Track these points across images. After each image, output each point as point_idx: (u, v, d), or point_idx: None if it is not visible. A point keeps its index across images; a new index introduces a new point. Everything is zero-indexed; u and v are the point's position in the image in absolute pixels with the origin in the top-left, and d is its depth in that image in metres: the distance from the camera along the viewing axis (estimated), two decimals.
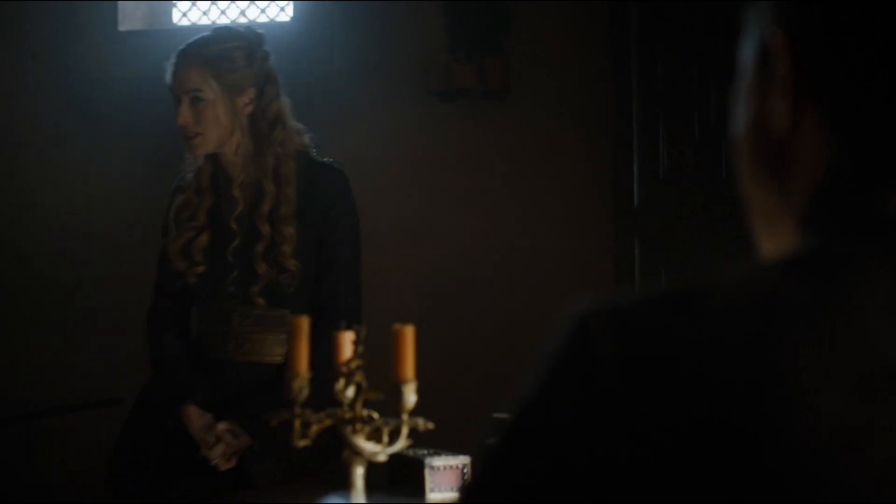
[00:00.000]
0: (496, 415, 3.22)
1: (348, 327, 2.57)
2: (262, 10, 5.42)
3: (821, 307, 0.89)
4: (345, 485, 2.54)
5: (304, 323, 2.52)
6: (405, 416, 2.51)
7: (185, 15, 5.52)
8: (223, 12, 5.46)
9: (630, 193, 4.50)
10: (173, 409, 3.51)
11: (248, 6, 5.43)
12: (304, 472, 3.34)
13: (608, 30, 4.64)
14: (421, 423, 2.51)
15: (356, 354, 2.52)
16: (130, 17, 5.45)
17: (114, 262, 5.32)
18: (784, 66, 0.97)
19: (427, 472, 2.84)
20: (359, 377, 2.52)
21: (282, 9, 5.37)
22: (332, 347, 2.55)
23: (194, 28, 5.42)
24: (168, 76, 3.66)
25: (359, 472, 2.54)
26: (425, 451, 2.91)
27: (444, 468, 2.87)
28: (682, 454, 0.86)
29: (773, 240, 1.01)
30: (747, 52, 1.01)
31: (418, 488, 2.83)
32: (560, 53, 4.84)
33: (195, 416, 3.48)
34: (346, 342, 2.53)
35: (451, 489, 2.86)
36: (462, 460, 2.89)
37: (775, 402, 0.85)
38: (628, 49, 4.49)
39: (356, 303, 3.59)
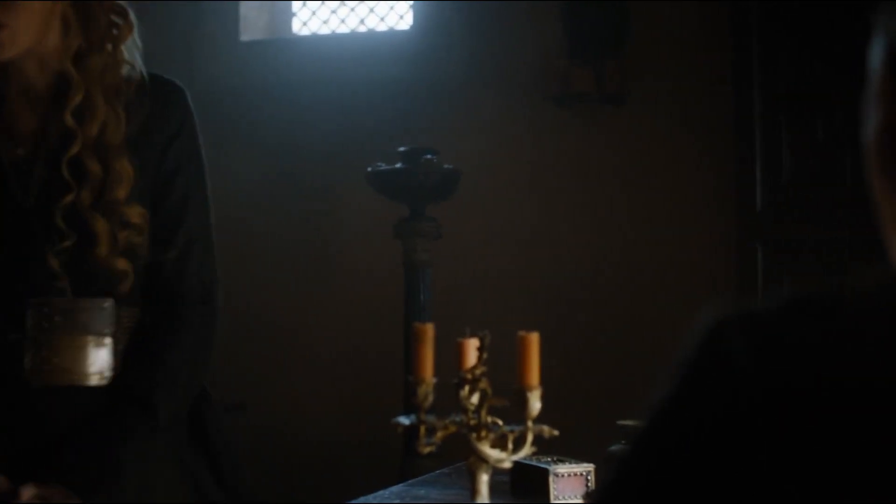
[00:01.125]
0: (620, 422, 3.21)
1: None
2: (382, 18, 5.45)
3: None
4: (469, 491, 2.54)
5: (429, 330, 2.52)
6: (530, 423, 2.50)
7: (305, 24, 5.57)
8: (343, 20, 5.50)
9: (752, 199, 4.45)
10: None
11: (369, 14, 5.47)
12: None
13: (728, 32, 4.60)
14: (546, 430, 2.50)
15: (480, 361, 2.51)
16: (252, 27, 5.52)
17: (234, 267, 5.38)
18: None
19: (551, 479, 2.82)
20: (483, 384, 2.51)
21: (401, 17, 5.40)
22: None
23: (315, 37, 5.48)
24: None
25: (483, 478, 2.54)
26: (549, 459, 2.90)
27: (569, 475, 2.85)
28: (830, 467, 0.86)
29: None
30: (876, 57, 1.00)
31: (542, 496, 2.81)
32: (679, 56, 4.80)
33: None
34: (471, 348, 2.53)
35: (575, 497, 2.84)
36: (586, 468, 2.87)
37: None
38: (750, 51, 4.44)
39: (212, 278, 2.68)
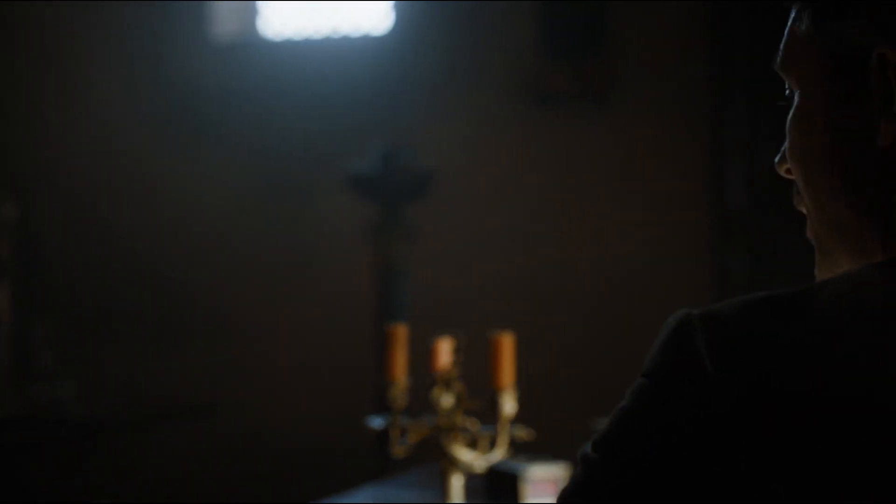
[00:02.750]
0: (592, 422, 3.20)
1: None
2: (358, 21, 5.44)
3: None
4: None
5: (402, 331, 2.51)
6: (503, 426, 2.49)
7: (280, 27, 5.55)
8: (318, 24, 5.49)
9: (731, 199, 4.45)
10: None
11: (346, 17, 5.46)
12: None
13: (706, 31, 4.60)
14: (521, 433, 2.49)
15: (454, 362, 2.50)
16: (227, 30, 5.50)
17: (208, 270, 5.36)
18: None
19: (524, 482, 2.81)
20: (458, 386, 2.50)
21: (379, 19, 5.38)
22: None
23: (290, 40, 5.47)
24: None
25: (456, 480, 2.53)
26: (523, 459, 2.89)
27: (542, 477, 2.84)
28: (800, 454, 0.86)
29: (846, 253, 1.03)
30: (819, 65, 1.02)
31: (516, 497, 2.80)
32: (657, 56, 4.80)
33: None
34: (444, 350, 2.51)
35: (548, 498, 2.83)
36: (559, 469, 2.86)
37: (892, 404, 0.86)
38: (730, 51, 4.44)
39: None
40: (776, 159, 1.12)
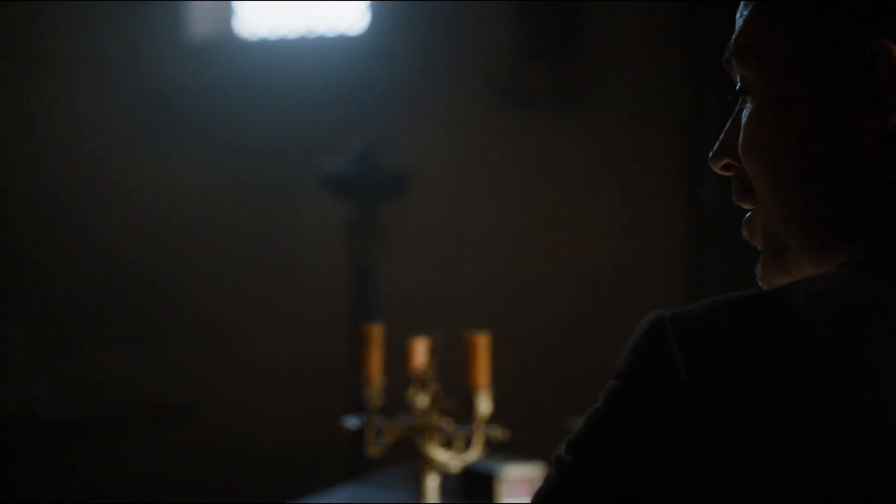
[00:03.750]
0: (567, 421, 3.21)
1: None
2: (333, 27, 5.43)
3: None
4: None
5: (378, 331, 2.51)
6: (479, 425, 2.49)
7: (256, 26, 5.54)
8: (293, 23, 5.48)
9: (707, 198, 4.46)
10: None
11: (322, 16, 5.45)
12: None
13: (682, 30, 4.61)
14: (497, 433, 2.49)
15: (430, 362, 2.50)
16: (202, 29, 5.49)
17: (183, 269, 5.35)
18: (894, 70, 0.96)
19: (499, 481, 2.81)
20: (433, 386, 2.50)
21: (354, 18, 5.37)
22: None
23: (266, 40, 5.46)
24: None
25: (431, 480, 2.53)
26: (498, 459, 2.89)
27: (517, 477, 2.84)
28: (765, 450, 0.86)
29: (809, 252, 1.02)
30: (797, 59, 1.01)
31: (491, 497, 2.81)
32: (634, 55, 4.80)
33: None
34: (420, 350, 2.51)
35: (524, 498, 2.83)
36: (535, 468, 2.86)
37: (870, 405, 0.86)
38: (705, 50, 4.44)
39: None
40: (711, 153, 1.10)
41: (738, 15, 1.08)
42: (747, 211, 1.10)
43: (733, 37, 1.08)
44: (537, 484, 2.85)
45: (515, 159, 4.96)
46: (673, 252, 4.67)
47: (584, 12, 4.85)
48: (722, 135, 1.10)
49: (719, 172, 1.11)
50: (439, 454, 2.49)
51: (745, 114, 1.06)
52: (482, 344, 2.46)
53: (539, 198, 4.93)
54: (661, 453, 0.88)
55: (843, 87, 0.98)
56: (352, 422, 2.59)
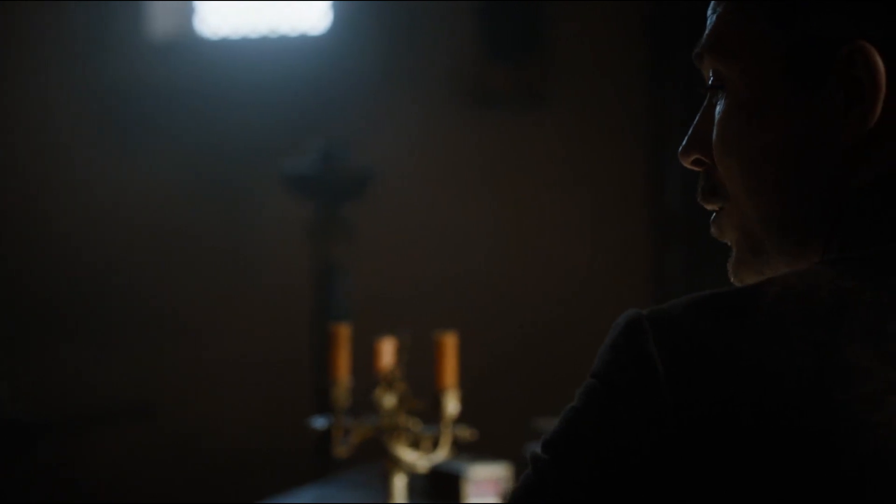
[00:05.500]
0: (533, 421, 3.21)
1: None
2: (295, 26, 5.41)
3: (877, 307, 0.89)
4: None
5: (345, 331, 2.51)
6: (447, 425, 2.49)
7: (218, 26, 5.52)
8: (255, 23, 5.46)
9: (669, 199, 4.47)
10: None
11: (283, 16, 5.43)
12: None
13: (647, 30, 4.62)
14: (465, 433, 2.49)
15: (398, 363, 2.50)
16: (162, 29, 5.46)
17: (145, 268, 5.32)
18: (873, 73, 0.96)
19: (466, 481, 2.82)
20: (400, 386, 2.50)
21: (316, 18, 5.36)
22: None
23: (228, 39, 5.44)
24: None
25: (398, 480, 2.52)
26: (464, 459, 2.89)
27: (483, 477, 2.85)
28: (745, 448, 0.86)
29: (784, 252, 1.02)
30: (775, 57, 1.00)
31: (457, 497, 2.81)
32: (597, 55, 4.82)
33: None
34: (387, 350, 2.51)
35: (490, 498, 2.84)
36: (501, 468, 2.87)
37: (845, 403, 0.86)
38: (667, 48, 4.45)
39: None
40: (681, 148, 1.10)
41: (709, 11, 1.07)
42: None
43: (707, 31, 1.07)
44: (504, 484, 2.86)
45: (479, 159, 4.97)
46: (636, 251, 4.69)
47: (547, 12, 4.86)
48: (691, 129, 1.09)
49: (688, 167, 1.10)
50: (407, 454, 2.49)
51: (719, 110, 1.05)
52: (450, 344, 2.46)
53: (503, 198, 4.93)
54: (638, 452, 0.88)
55: (821, 87, 0.98)
56: (319, 422, 2.59)
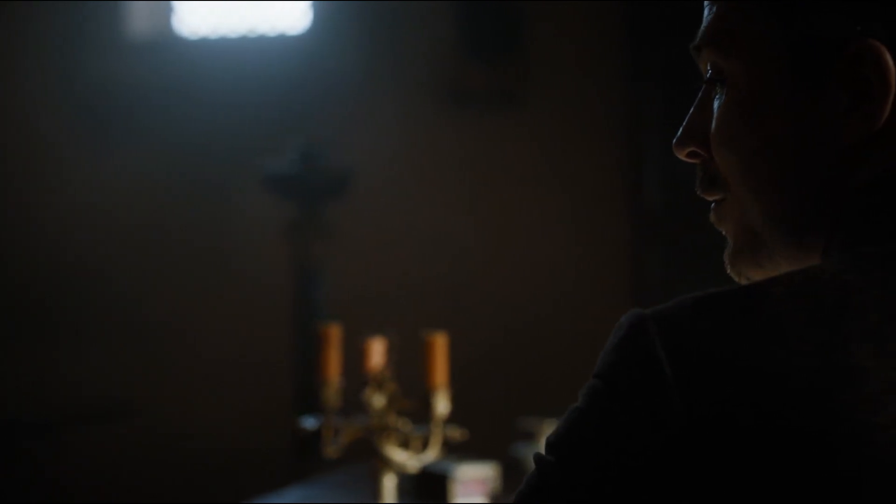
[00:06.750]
0: (518, 421, 3.22)
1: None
2: (274, 26, 5.40)
3: (878, 307, 0.89)
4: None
5: (336, 332, 2.51)
6: (437, 424, 2.49)
7: (198, 25, 5.51)
8: (235, 22, 5.45)
9: (649, 199, 4.48)
10: None
11: (263, 16, 5.42)
12: None
13: (624, 30, 4.63)
14: (454, 433, 2.49)
15: (387, 363, 2.50)
16: (142, 28, 5.45)
17: (126, 268, 5.30)
18: (883, 71, 0.96)
19: (453, 481, 2.82)
20: (390, 386, 2.50)
21: (297, 19, 5.35)
22: None
23: (208, 39, 5.43)
24: None
25: (388, 481, 2.53)
26: (452, 459, 2.89)
27: (471, 477, 2.85)
28: (748, 449, 0.86)
29: (784, 246, 1.02)
30: (780, 53, 1.00)
31: (445, 497, 2.81)
32: (577, 55, 4.83)
33: None
34: (377, 350, 2.51)
35: (477, 498, 2.84)
36: (488, 467, 2.87)
37: (847, 404, 0.86)
38: (647, 50, 4.46)
39: None
40: (676, 140, 1.08)
41: (707, 3, 1.06)
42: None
43: (706, 24, 1.05)
44: (491, 483, 2.86)
45: (458, 159, 4.97)
46: (616, 250, 4.70)
47: (525, 13, 4.87)
48: (686, 121, 1.08)
49: (683, 159, 1.09)
50: (397, 454, 2.49)
51: (717, 104, 1.04)
52: (440, 344, 2.46)
53: (483, 197, 4.94)
54: (643, 454, 0.88)
55: (825, 85, 0.98)
56: (309, 422, 2.59)
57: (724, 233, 1.09)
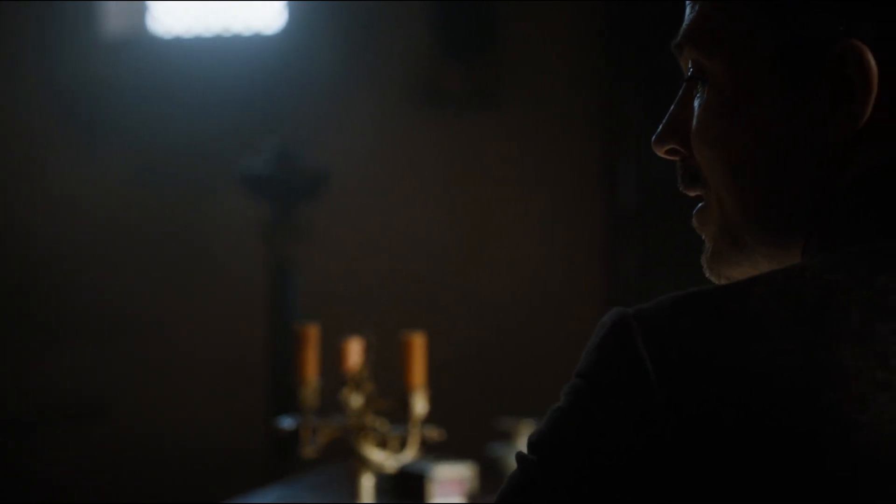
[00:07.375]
0: (496, 421, 3.22)
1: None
2: (249, 26, 5.39)
3: (863, 305, 0.89)
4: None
5: (313, 332, 2.50)
6: (415, 424, 2.49)
7: (173, 25, 5.49)
8: (210, 22, 5.43)
9: (625, 198, 4.49)
10: None
11: (238, 15, 5.41)
12: None
13: (601, 31, 4.63)
14: (432, 433, 2.49)
15: (366, 362, 2.50)
16: (116, 27, 5.43)
17: (100, 267, 5.29)
18: (865, 72, 0.96)
19: (430, 481, 2.82)
20: (368, 386, 2.50)
21: (272, 19, 5.34)
22: None
23: (183, 38, 5.41)
24: None
25: (366, 481, 2.52)
26: (430, 459, 2.89)
27: (448, 479, 2.85)
28: (733, 448, 0.86)
29: (765, 245, 1.01)
30: (764, 52, 0.99)
31: (422, 497, 2.81)
32: (552, 55, 4.83)
33: None
34: (354, 349, 2.51)
35: (454, 497, 2.84)
36: (466, 467, 2.87)
37: (832, 403, 0.85)
38: (623, 51, 4.47)
39: None
40: (655, 137, 1.07)
41: (688, 2, 1.05)
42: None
43: (688, 23, 1.05)
44: (468, 483, 2.87)
45: (434, 158, 4.97)
46: (592, 249, 4.71)
47: (500, 13, 4.87)
48: (666, 118, 1.07)
49: (662, 156, 1.08)
50: (375, 454, 2.49)
51: (699, 103, 1.04)
52: (418, 344, 2.46)
53: (459, 197, 4.94)
54: (626, 453, 0.88)
55: (809, 85, 0.98)
56: (287, 422, 2.58)
57: (703, 237, 1.08)
